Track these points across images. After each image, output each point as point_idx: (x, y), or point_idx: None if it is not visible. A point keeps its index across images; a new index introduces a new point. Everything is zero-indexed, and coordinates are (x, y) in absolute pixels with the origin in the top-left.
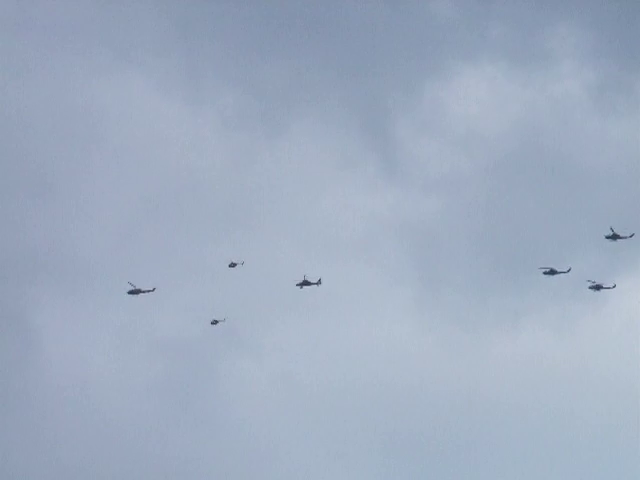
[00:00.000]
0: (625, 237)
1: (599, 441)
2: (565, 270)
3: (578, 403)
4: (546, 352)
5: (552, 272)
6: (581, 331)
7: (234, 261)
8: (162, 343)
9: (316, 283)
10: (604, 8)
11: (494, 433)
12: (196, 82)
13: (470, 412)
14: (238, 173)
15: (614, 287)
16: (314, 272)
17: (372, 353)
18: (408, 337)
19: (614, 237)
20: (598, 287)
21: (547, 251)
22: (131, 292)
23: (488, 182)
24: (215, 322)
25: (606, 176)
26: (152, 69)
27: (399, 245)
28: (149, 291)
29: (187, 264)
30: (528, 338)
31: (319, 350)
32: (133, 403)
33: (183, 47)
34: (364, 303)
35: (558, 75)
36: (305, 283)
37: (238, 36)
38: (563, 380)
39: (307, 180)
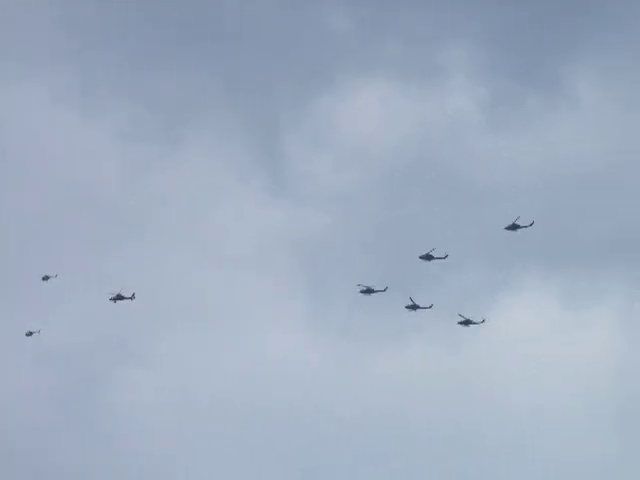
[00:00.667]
0: (525, 226)
1: (484, 455)
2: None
3: (463, 418)
4: (433, 367)
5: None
6: (468, 347)
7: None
8: (52, 352)
9: (130, 297)
10: (496, 25)
11: (381, 446)
12: (92, 94)
13: (356, 425)
14: (132, 185)
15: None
16: (206, 284)
17: (262, 366)
18: (298, 350)
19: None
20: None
21: (432, 265)
22: None
23: (378, 197)
24: (30, 334)
25: (497, 190)
26: (47, 80)
27: (290, 259)
28: None
29: (79, 274)
30: (416, 353)
31: (210, 362)
32: (20, 412)
33: (79, 59)
34: (255, 316)
35: (450, 90)
36: (119, 297)
37: (134, 49)
38: (450, 395)
39: (200, 193)
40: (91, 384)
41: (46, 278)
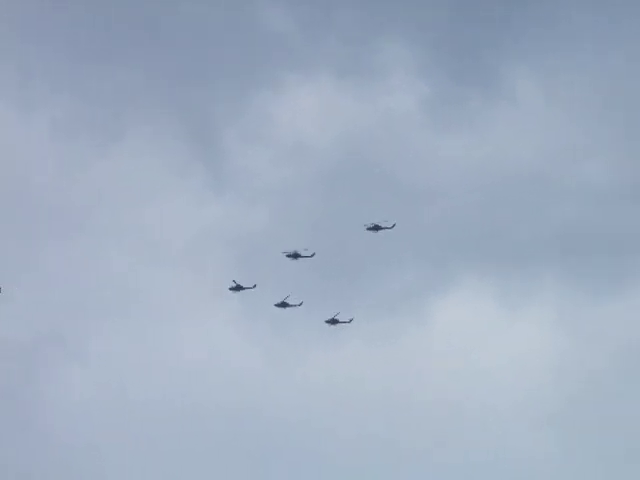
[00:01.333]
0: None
1: (415, 454)
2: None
3: (396, 417)
4: (366, 365)
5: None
6: (402, 345)
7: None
8: None
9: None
10: (437, 23)
11: (314, 444)
12: (27, 88)
13: (291, 423)
14: (69, 181)
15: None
16: (142, 281)
17: (198, 363)
18: (233, 347)
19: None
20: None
21: (370, 263)
22: None
23: (315, 193)
24: None
25: (436, 190)
26: None
27: (226, 256)
28: None
29: (15, 270)
30: (348, 351)
31: (144, 359)
32: None
33: (14, 53)
34: (191, 313)
35: (390, 88)
36: None
37: (71, 43)
38: (383, 393)
39: (137, 189)
40: (25, 380)
41: None
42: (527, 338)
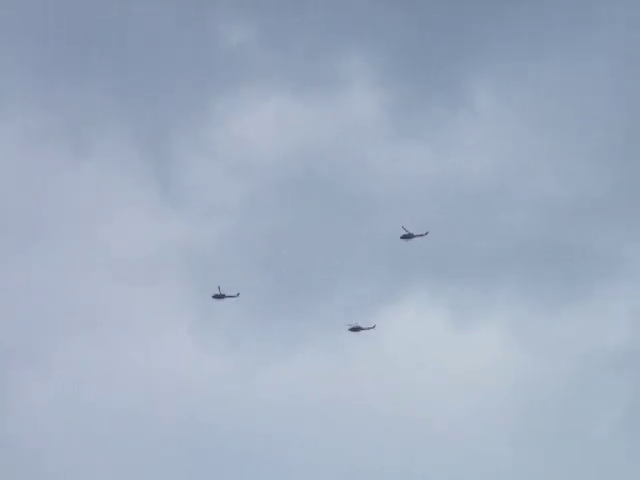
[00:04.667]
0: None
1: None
2: (371, 326)
3: (348, 431)
4: (318, 378)
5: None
6: (357, 359)
7: None
8: None
9: None
10: (397, 31)
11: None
12: None
13: (243, 440)
14: (32, 191)
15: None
16: (99, 293)
17: (154, 376)
18: (188, 360)
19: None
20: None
21: (324, 277)
22: None
23: (270, 208)
24: None
25: (389, 201)
26: None
27: (180, 270)
28: None
29: None
30: (305, 363)
31: (101, 370)
32: None
33: None
34: (148, 326)
35: (347, 99)
36: None
37: (41, 54)
38: (337, 406)
39: (95, 201)
40: None
41: None
42: (481, 352)
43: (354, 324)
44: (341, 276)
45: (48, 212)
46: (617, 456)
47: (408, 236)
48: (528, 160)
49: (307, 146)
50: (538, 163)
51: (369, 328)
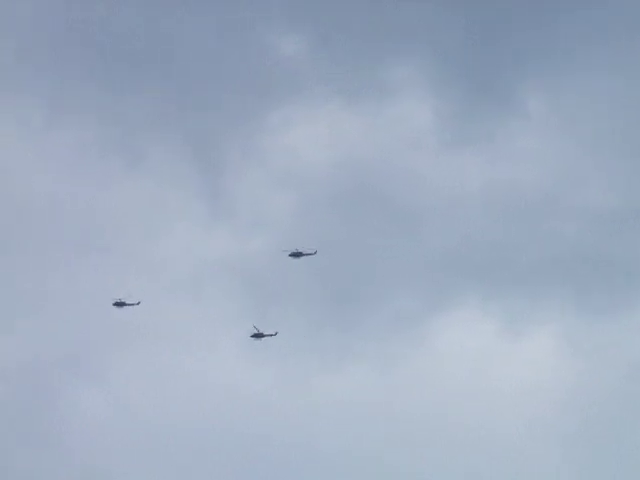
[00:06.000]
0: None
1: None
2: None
3: (398, 441)
4: (369, 389)
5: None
6: (405, 368)
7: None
8: (4, 369)
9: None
10: (449, 40)
11: (321, 471)
12: (55, 110)
13: (299, 450)
14: (88, 202)
15: (276, 334)
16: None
17: (209, 390)
18: (241, 375)
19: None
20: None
21: (373, 287)
22: None
23: (322, 219)
24: None
25: (440, 210)
26: (13, 101)
27: (233, 282)
28: None
29: (31, 291)
30: (355, 374)
31: (157, 383)
32: None
33: (45, 79)
34: (201, 340)
35: (399, 109)
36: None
37: (97, 67)
38: (385, 417)
39: (149, 214)
40: (43, 401)
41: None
42: (533, 360)
43: (256, 330)
44: (392, 287)
45: (101, 224)
46: None
47: (297, 254)
48: (579, 169)
49: (359, 156)
50: (589, 172)
51: (270, 335)
